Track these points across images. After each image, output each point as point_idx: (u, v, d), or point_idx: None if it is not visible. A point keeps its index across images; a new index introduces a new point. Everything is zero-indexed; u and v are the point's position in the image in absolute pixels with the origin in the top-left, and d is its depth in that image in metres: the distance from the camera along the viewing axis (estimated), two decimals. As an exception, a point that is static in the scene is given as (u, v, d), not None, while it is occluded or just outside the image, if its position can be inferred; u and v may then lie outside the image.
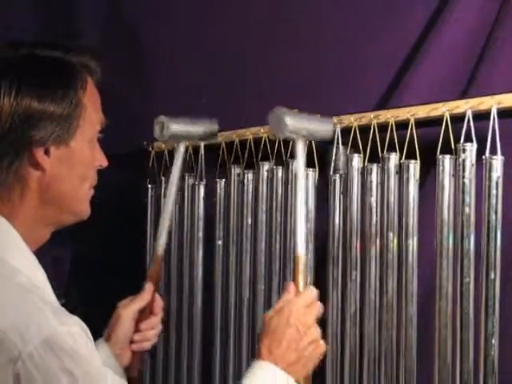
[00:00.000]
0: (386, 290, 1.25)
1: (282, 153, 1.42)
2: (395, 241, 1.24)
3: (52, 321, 0.84)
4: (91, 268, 1.88)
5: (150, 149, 1.69)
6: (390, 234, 1.25)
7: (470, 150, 1.16)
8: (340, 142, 1.34)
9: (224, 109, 1.67)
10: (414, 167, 1.22)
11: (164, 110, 1.82)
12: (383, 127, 1.27)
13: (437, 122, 1.21)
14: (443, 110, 1.20)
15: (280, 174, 1.42)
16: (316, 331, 1.02)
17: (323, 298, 1.34)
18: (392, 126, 1.26)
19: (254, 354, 1.43)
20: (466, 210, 1.16)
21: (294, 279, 1.06)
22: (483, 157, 1.14)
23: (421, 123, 1.24)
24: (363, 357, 1.28)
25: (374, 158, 1.28)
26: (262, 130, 1.44)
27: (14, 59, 0.95)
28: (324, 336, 1.33)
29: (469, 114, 1.17)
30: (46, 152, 0.93)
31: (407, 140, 1.23)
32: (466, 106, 1.18)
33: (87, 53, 0.99)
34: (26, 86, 0.91)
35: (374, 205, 1.27)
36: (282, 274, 1.41)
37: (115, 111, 1.97)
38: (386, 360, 1.25)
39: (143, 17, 1.84)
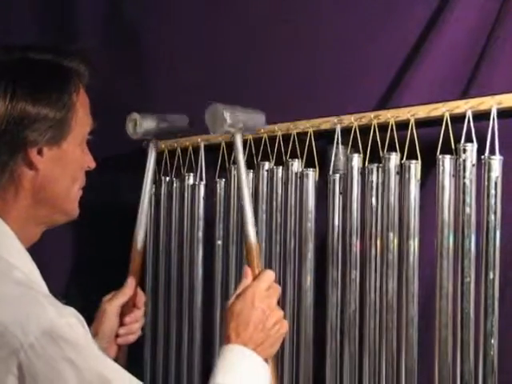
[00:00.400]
0: (386, 291, 1.25)
1: (282, 153, 1.42)
2: (396, 241, 1.24)
3: (51, 312, 0.87)
4: (91, 268, 1.87)
5: (150, 149, 1.69)
6: (391, 235, 1.25)
7: (471, 150, 1.16)
8: (340, 141, 1.34)
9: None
10: (415, 167, 1.22)
11: (164, 109, 1.82)
12: (383, 127, 1.27)
13: (437, 122, 1.21)
14: (443, 109, 1.20)
15: (280, 174, 1.42)
16: (279, 312, 1.07)
17: (323, 298, 1.35)
18: (392, 126, 1.25)
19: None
20: (467, 210, 1.16)
21: (250, 266, 1.11)
22: (482, 157, 1.14)
23: (421, 123, 1.24)
24: (363, 357, 1.28)
25: (374, 158, 1.28)
26: (261, 130, 1.44)
27: (8, 63, 0.98)
28: (323, 336, 1.34)
29: (469, 114, 1.17)
30: (40, 152, 0.96)
31: (407, 140, 1.23)
32: (466, 106, 1.18)
33: (77, 57, 1.02)
34: (20, 89, 0.94)
35: (374, 205, 1.27)
36: (282, 273, 1.41)
37: (115, 111, 1.97)
38: (387, 360, 1.25)
39: (143, 17, 1.84)
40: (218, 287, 1.54)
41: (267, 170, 1.45)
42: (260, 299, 1.05)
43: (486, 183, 1.14)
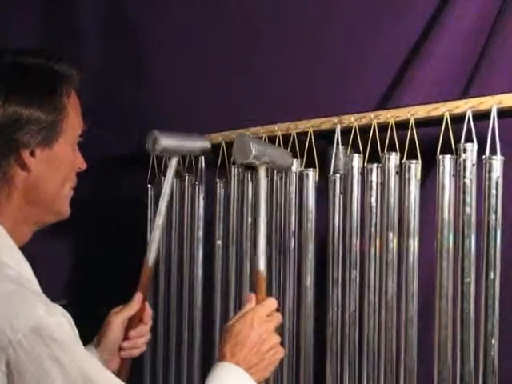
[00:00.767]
0: (386, 290, 1.25)
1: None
2: (395, 241, 1.24)
3: (40, 311, 0.88)
4: (91, 268, 1.88)
5: (150, 149, 1.69)
6: (391, 234, 1.25)
7: (471, 150, 1.16)
8: (340, 141, 1.34)
9: (224, 108, 1.67)
10: (415, 167, 1.22)
11: (165, 109, 1.82)
12: (383, 127, 1.27)
13: (437, 121, 1.21)
14: (443, 109, 1.20)
15: (280, 174, 1.42)
16: (276, 337, 1.09)
17: (323, 297, 1.34)
18: (392, 125, 1.25)
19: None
20: (467, 210, 1.16)
21: (255, 292, 1.14)
22: (483, 157, 1.14)
23: (421, 123, 1.24)
24: (363, 357, 1.28)
25: (374, 158, 1.28)
26: (262, 130, 1.44)
27: (0, 67, 1.01)
28: (323, 336, 1.34)
29: (469, 113, 1.17)
30: (32, 154, 0.99)
31: (407, 140, 1.23)
32: (466, 106, 1.17)
33: (67, 61, 1.05)
34: (13, 93, 0.97)
35: (374, 205, 1.27)
36: (282, 273, 1.41)
37: (115, 111, 1.97)
38: (386, 360, 1.24)
39: (144, 15, 1.84)
40: (218, 287, 1.54)
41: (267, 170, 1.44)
42: (259, 323, 1.07)
43: (487, 183, 1.14)
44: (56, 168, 1.02)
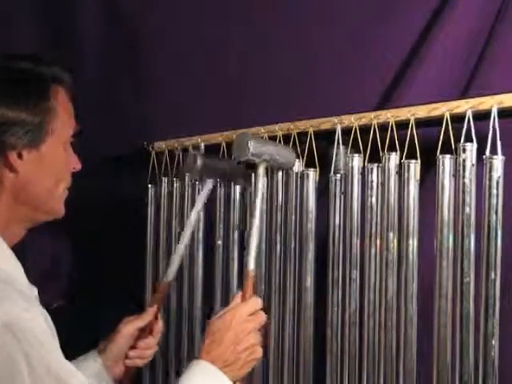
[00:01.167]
0: (386, 290, 1.25)
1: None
2: (395, 241, 1.24)
3: (17, 307, 0.91)
4: (91, 268, 1.88)
5: (150, 149, 1.69)
6: (391, 234, 1.24)
7: (471, 150, 1.16)
8: (340, 141, 1.34)
9: (224, 108, 1.67)
10: (415, 167, 1.22)
11: (165, 109, 1.83)
12: (383, 127, 1.27)
13: (437, 121, 1.21)
14: (443, 109, 1.20)
15: (280, 174, 1.42)
16: (254, 338, 1.08)
17: (323, 297, 1.34)
18: (392, 125, 1.25)
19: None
20: (467, 209, 1.16)
21: (243, 291, 1.12)
22: (483, 157, 1.14)
23: (421, 123, 1.24)
24: (363, 357, 1.28)
25: (375, 157, 1.28)
26: (262, 130, 1.44)
27: None
28: (323, 336, 1.34)
29: (469, 113, 1.17)
30: (20, 156, 1.00)
31: (407, 140, 1.23)
32: (467, 106, 1.17)
33: (56, 64, 1.06)
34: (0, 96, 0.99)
35: (374, 205, 1.27)
36: (282, 273, 1.41)
37: (115, 111, 1.97)
38: (386, 360, 1.24)
39: (144, 15, 1.84)
40: (218, 287, 1.54)
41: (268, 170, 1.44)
42: (238, 322, 1.07)
43: (488, 183, 1.14)
44: (45, 169, 1.03)
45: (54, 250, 1.88)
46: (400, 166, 1.24)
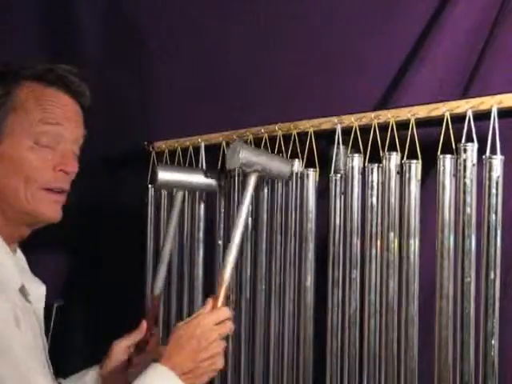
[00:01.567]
0: (386, 290, 1.25)
1: (282, 153, 1.42)
2: (396, 241, 1.24)
3: None
4: (91, 268, 1.88)
5: (150, 149, 1.69)
6: (391, 234, 1.24)
7: (471, 150, 1.16)
8: (340, 141, 1.34)
9: (225, 108, 1.67)
10: (416, 167, 1.22)
11: (165, 109, 1.83)
12: (384, 127, 1.27)
13: (437, 121, 1.21)
14: (444, 109, 1.20)
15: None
16: (218, 347, 1.07)
17: (324, 297, 1.34)
18: (392, 125, 1.25)
19: (254, 354, 1.44)
20: (467, 209, 1.16)
21: (214, 299, 1.12)
22: (483, 157, 1.14)
23: (421, 123, 1.24)
24: (363, 357, 1.28)
25: (375, 157, 1.28)
26: (262, 130, 1.44)
27: None
28: (323, 336, 1.34)
29: (469, 113, 1.17)
30: None
31: (408, 140, 1.23)
32: (467, 106, 1.17)
33: (34, 62, 1.06)
34: None
35: (374, 205, 1.27)
36: (282, 273, 1.41)
37: (115, 111, 1.97)
38: (387, 360, 1.24)
39: (144, 15, 1.84)
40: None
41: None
42: (202, 330, 1.07)
43: (488, 183, 1.14)
44: (7, 168, 1.03)
45: (53, 250, 1.87)
46: (401, 166, 1.23)
